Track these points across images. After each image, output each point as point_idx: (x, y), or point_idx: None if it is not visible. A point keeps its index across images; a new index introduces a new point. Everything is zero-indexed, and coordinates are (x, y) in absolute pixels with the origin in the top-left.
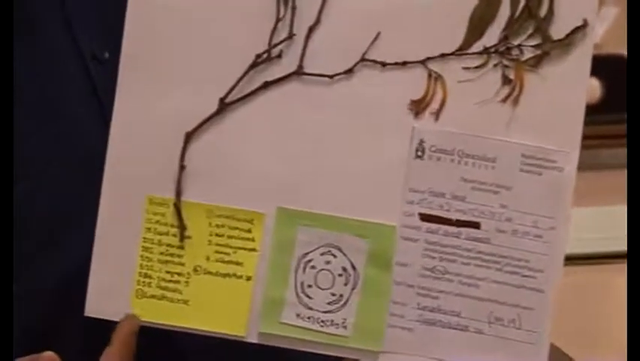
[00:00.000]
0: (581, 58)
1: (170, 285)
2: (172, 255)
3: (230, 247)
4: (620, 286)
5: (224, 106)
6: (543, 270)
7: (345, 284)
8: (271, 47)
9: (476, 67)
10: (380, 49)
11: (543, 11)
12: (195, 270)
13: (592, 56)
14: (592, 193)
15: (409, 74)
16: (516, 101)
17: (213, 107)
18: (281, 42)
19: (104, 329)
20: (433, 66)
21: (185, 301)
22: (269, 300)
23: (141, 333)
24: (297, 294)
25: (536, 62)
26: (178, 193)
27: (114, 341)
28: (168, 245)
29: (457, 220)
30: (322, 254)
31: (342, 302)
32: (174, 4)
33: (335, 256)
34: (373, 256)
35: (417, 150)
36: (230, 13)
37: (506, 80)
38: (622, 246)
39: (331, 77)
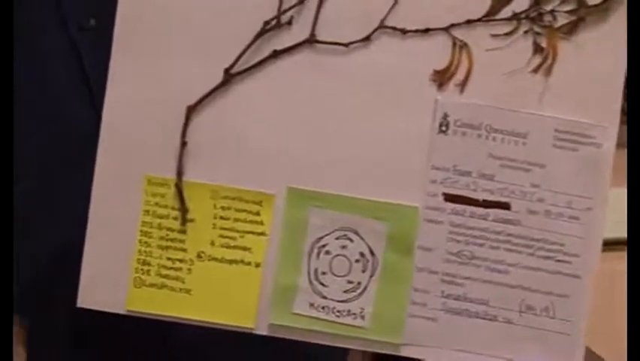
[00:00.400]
0: (618, 24)
1: (171, 273)
2: (173, 240)
3: (237, 231)
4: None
5: (229, 77)
6: (579, 254)
7: (363, 271)
8: (281, 13)
9: (505, 34)
10: (400, 15)
11: None
12: (199, 256)
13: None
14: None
15: (432, 43)
16: (549, 71)
17: (218, 78)
18: (291, 8)
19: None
20: (458, 33)
21: (188, 291)
22: (280, 288)
23: (139, 326)
24: (311, 282)
25: (570, 29)
26: (179, 172)
27: None
28: (169, 229)
29: (485, 201)
30: (337, 238)
31: (359, 290)
32: None
33: (351, 241)
34: (393, 240)
35: (440, 125)
36: None
37: (538, 49)
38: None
39: (347, 45)
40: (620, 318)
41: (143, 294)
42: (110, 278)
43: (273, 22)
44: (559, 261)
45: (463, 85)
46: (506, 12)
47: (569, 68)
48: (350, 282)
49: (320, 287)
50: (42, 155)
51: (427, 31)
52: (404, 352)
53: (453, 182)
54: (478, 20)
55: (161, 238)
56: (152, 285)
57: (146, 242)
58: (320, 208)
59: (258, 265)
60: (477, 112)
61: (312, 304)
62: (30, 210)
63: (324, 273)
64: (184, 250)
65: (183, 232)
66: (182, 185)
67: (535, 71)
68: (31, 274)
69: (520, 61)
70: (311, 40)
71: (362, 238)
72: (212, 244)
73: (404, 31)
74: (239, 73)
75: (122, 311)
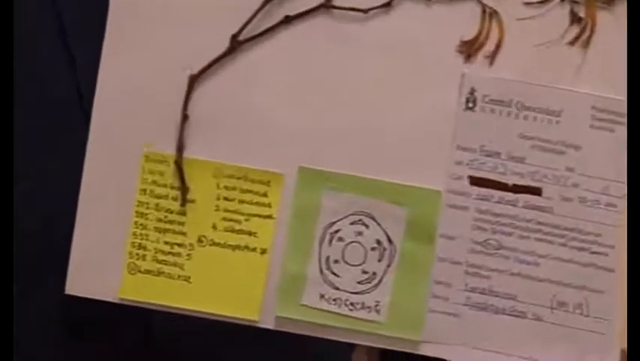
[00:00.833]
0: None
1: (169, 258)
2: (171, 222)
3: (242, 214)
4: None
5: (236, 45)
6: (615, 246)
7: (379, 260)
8: None
9: (539, 2)
10: None
11: None
12: (199, 240)
13: None
14: None
15: (459, 10)
16: (586, 44)
17: (224, 45)
18: None
19: None
20: (488, 0)
21: (187, 278)
22: (287, 278)
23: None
24: (322, 271)
25: None
26: (180, 148)
27: None
28: (167, 210)
29: (514, 185)
30: (352, 224)
31: (375, 281)
32: None
33: (367, 227)
34: (413, 226)
35: (467, 101)
36: None
37: (575, 19)
38: None
39: (365, 11)
40: None
41: (137, 281)
42: (102, 263)
43: None
44: (594, 253)
45: (492, 57)
46: None
47: (609, 41)
48: (365, 272)
49: (332, 277)
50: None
51: None
52: (423, 350)
53: (480, 164)
54: None
55: (159, 220)
56: (147, 271)
57: (141, 224)
58: (334, 190)
59: (264, 252)
60: (507, 87)
61: (322, 296)
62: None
63: (336, 261)
64: (183, 233)
65: (183, 213)
66: (182, 162)
67: (572, 43)
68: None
69: (556, 32)
70: (326, 5)
71: (379, 224)
72: (215, 227)
73: None
74: (247, 40)
75: (114, 300)
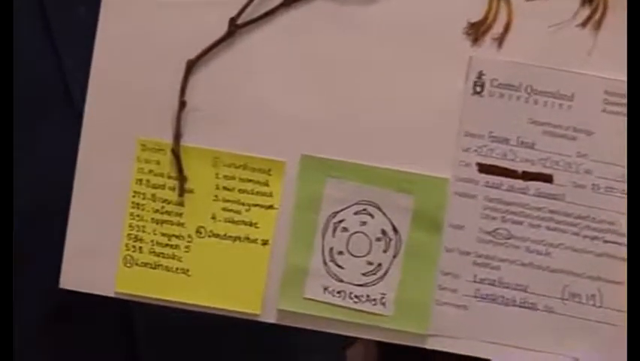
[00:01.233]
0: None
1: (167, 250)
2: (169, 213)
3: (242, 204)
4: None
5: (234, 28)
6: None
7: (385, 251)
8: None
9: None
10: None
11: None
12: (198, 232)
13: None
14: None
15: None
16: (598, 25)
17: (222, 29)
18: None
19: None
20: None
21: (185, 271)
22: (290, 270)
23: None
24: (325, 263)
25: None
26: (177, 136)
27: None
28: (164, 201)
29: (525, 172)
30: (356, 213)
31: (380, 273)
32: None
33: (372, 216)
34: (419, 215)
35: (475, 85)
36: None
37: None
38: None
39: None
40: None
41: (134, 274)
42: (97, 256)
43: None
44: (607, 242)
45: (501, 40)
46: None
47: (622, 22)
48: (370, 263)
49: (335, 269)
50: None
51: None
52: (430, 343)
53: (488, 150)
54: None
55: (156, 211)
56: (144, 264)
57: (138, 215)
58: (337, 179)
59: (265, 243)
60: (516, 71)
61: (326, 288)
62: None
63: (340, 253)
64: (181, 224)
65: (181, 204)
66: (179, 150)
67: (584, 24)
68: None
69: (566, 13)
70: None
71: (384, 214)
72: (214, 218)
73: None
74: (246, 24)
75: (110, 294)
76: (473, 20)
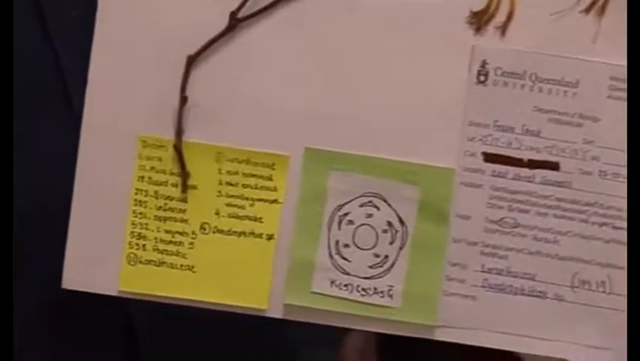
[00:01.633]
0: None
1: (171, 247)
2: (172, 210)
3: (246, 199)
4: None
5: (235, 22)
6: None
7: (391, 243)
8: None
9: None
10: None
11: None
12: (202, 228)
13: None
14: None
15: None
16: (602, 11)
17: (223, 23)
18: None
19: None
20: None
21: (190, 268)
22: (296, 264)
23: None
24: (331, 256)
25: None
26: (179, 132)
27: None
28: (167, 197)
29: (530, 160)
30: (362, 206)
31: (387, 265)
32: None
33: (378, 208)
34: (426, 206)
35: (479, 74)
36: None
37: None
38: None
39: None
40: None
41: (138, 272)
42: (100, 255)
43: None
44: (616, 228)
45: (504, 28)
46: None
47: (625, 7)
48: (376, 255)
49: (342, 262)
50: None
51: None
52: (439, 335)
53: (493, 139)
54: None
55: (159, 208)
56: (148, 262)
57: (140, 213)
58: (342, 171)
59: (270, 238)
60: (520, 59)
61: (333, 282)
62: None
63: (346, 246)
64: (185, 221)
65: (184, 200)
66: (182, 146)
67: (587, 10)
68: None
69: None
70: None
71: (390, 205)
72: (218, 213)
73: None
74: (247, 17)
75: (114, 293)
76: (476, 9)
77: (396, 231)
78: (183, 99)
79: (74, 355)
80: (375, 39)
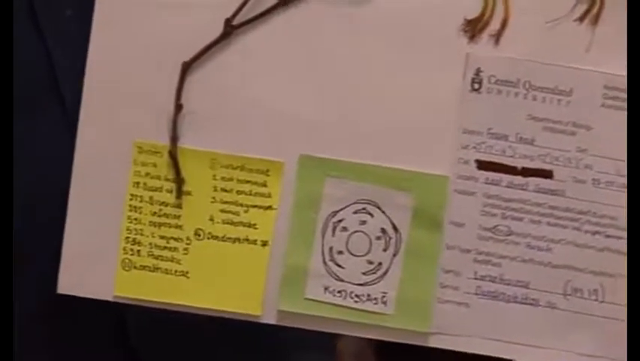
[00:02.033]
0: None
1: (165, 253)
2: (167, 215)
3: (241, 205)
4: None
5: (230, 29)
6: None
7: (385, 249)
8: None
9: None
10: None
11: None
12: (196, 234)
13: None
14: None
15: None
16: (595, 20)
17: (217, 30)
18: None
19: None
20: None
21: (185, 273)
22: (290, 270)
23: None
24: (325, 262)
25: None
26: (174, 138)
27: None
28: (162, 203)
29: (524, 168)
30: (356, 212)
31: (380, 272)
32: None
33: (372, 215)
34: (419, 214)
35: (473, 82)
36: None
37: None
38: None
39: None
40: None
41: (132, 278)
42: (95, 260)
43: None
44: (609, 236)
45: (498, 36)
46: None
47: (619, 16)
48: (370, 262)
49: (336, 268)
50: None
51: None
52: (432, 342)
53: (487, 147)
54: None
55: (153, 214)
56: (143, 267)
57: (135, 218)
58: (336, 178)
59: (264, 244)
60: (514, 67)
61: (326, 288)
62: None
63: (340, 252)
64: (179, 227)
65: (178, 206)
66: (176, 152)
67: (581, 19)
68: None
69: (563, 8)
70: None
71: (384, 212)
72: (212, 220)
73: None
74: (242, 24)
75: (108, 298)
76: (470, 17)
77: (390, 238)
78: (178, 106)
79: (73, 354)
80: (369, 47)
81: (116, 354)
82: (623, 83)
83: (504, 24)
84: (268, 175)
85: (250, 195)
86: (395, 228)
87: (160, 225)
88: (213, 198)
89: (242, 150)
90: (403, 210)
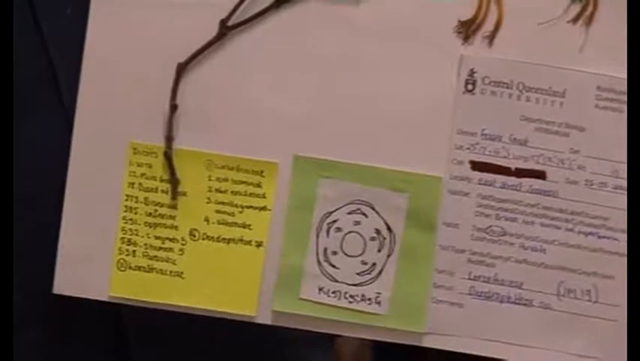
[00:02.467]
0: None
1: (161, 253)
2: (162, 216)
3: (236, 206)
4: None
5: (225, 31)
6: (625, 229)
7: (379, 250)
8: None
9: None
10: None
11: None
12: (192, 234)
13: None
14: None
15: None
16: (589, 21)
17: (212, 32)
18: None
19: None
20: None
21: (180, 274)
22: (284, 271)
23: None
24: (320, 263)
25: None
26: (169, 139)
27: None
28: (157, 204)
29: (517, 169)
30: (350, 213)
31: (375, 272)
32: None
33: (366, 216)
34: (413, 214)
35: (466, 83)
36: None
37: None
38: None
39: None
40: None
41: (128, 278)
42: (90, 261)
43: None
44: (602, 237)
45: (491, 37)
46: None
47: (612, 17)
48: (364, 263)
49: (330, 269)
50: None
51: None
52: (426, 342)
53: (481, 148)
54: None
55: (149, 215)
56: (138, 268)
57: (130, 219)
58: (330, 179)
59: (259, 245)
60: (508, 68)
61: (321, 289)
62: None
63: (334, 253)
64: (175, 227)
65: (174, 207)
66: (172, 153)
67: (574, 20)
68: None
69: (557, 9)
70: None
71: (378, 213)
72: (207, 220)
73: None
74: (236, 25)
75: (104, 298)
76: (464, 19)
77: (384, 238)
78: (173, 107)
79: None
80: (364, 48)
81: (114, 355)
82: (617, 84)
83: (498, 25)
84: (263, 176)
85: (245, 195)
86: (389, 228)
87: (155, 225)
88: (208, 198)
89: (237, 151)
90: (397, 210)
